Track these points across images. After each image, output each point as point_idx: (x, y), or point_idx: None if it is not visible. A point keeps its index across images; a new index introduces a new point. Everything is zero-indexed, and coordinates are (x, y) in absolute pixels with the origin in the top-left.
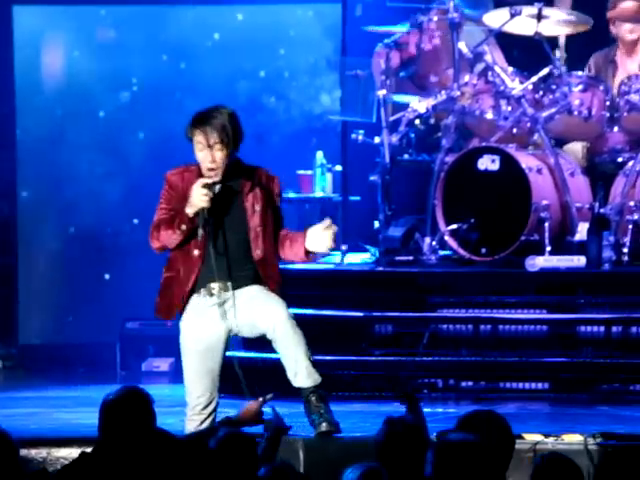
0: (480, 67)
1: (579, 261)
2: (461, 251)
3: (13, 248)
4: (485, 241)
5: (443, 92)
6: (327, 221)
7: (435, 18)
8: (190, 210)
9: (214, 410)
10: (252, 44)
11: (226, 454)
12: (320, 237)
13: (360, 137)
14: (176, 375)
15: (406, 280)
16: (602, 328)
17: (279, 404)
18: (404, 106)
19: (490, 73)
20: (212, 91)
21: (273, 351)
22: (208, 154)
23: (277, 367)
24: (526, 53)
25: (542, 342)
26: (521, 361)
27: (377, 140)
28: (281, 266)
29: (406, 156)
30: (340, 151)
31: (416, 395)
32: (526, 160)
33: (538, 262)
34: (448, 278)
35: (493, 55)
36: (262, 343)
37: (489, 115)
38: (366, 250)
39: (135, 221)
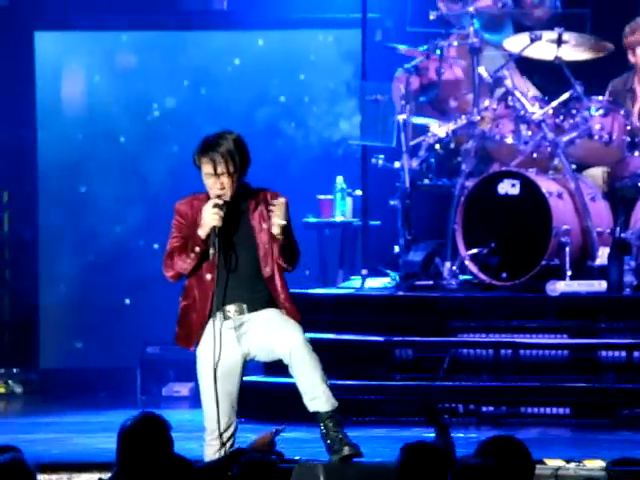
0: (500, 92)
1: (600, 286)
2: (481, 276)
3: (34, 273)
4: (505, 266)
5: (463, 117)
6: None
7: (455, 43)
8: (202, 231)
9: (233, 434)
10: (272, 69)
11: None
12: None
13: (380, 162)
14: (196, 400)
15: (426, 305)
16: (623, 353)
17: (298, 429)
18: (424, 131)
19: (510, 98)
20: (232, 116)
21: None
22: (216, 182)
23: (297, 392)
24: (546, 78)
25: (563, 367)
26: (542, 386)
27: (397, 165)
28: (301, 291)
29: (426, 181)
30: (360, 176)
31: (445, 418)
32: (547, 185)
33: (559, 287)
34: (468, 303)
35: (513, 80)
36: (281, 368)
37: (509, 140)
38: (386, 275)
39: (155, 246)
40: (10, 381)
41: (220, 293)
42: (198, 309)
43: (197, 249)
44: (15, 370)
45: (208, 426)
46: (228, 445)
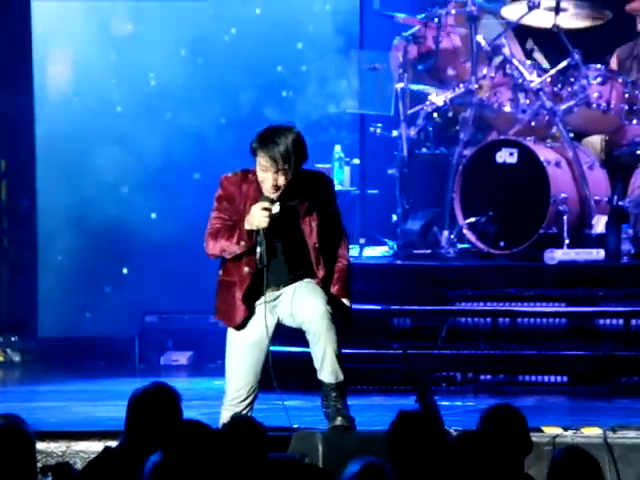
0: (498, 60)
1: (598, 254)
2: (479, 244)
3: (33, 243)
4: (503, 234)
5: (461, 85)
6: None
7: (453, 11)
8: (249, 227)
9: (252, 402)
10: (269, 38)
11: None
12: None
13: (378, 130)
14: (195, 369)
15: (424, 273)
16: (621, 321)
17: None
18: (422, 99)
19: (508, 66)
20: (229, 86)
21: (292, 345)
22: (270, 178)
23: (295, 360)
24: (544, 46)
25: (561, 335)
26: (540, 354)
27: (395, 133)
28: None
29: (424, 149)
30: (358, 144)
31: (428, 382)
32: (544, 153)
33: (557, 255)
34: (466, 271)
35: (511, 48)
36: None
37: (507, 108)
38: (384, 243)
39: (153, 215)
40: (9, 350)
41: (260, 282)
42: (236, 293)
43: (243, 243)
44: (13, 338)
45: (228, 392)
46: (245, 412)
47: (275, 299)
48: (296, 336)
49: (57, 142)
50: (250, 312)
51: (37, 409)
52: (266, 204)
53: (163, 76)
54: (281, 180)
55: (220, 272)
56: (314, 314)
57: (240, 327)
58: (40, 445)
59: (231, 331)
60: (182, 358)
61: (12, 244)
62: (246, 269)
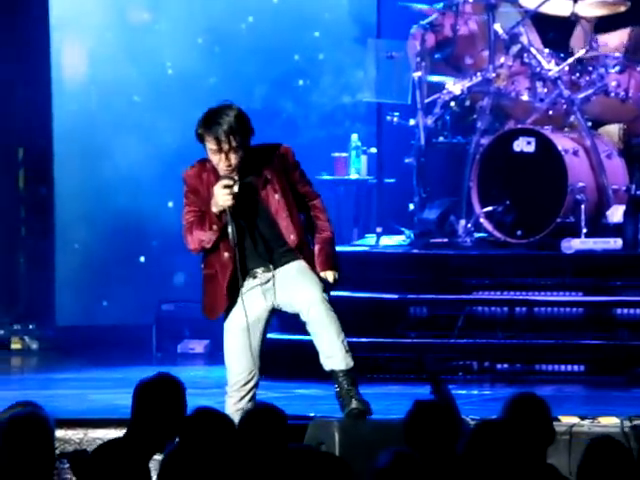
0: (516, 49)
1: (615, 243)
2: (496, 233)
3: (50, 231)
4: (521, 223)
5: (479, 74)
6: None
7: (471, 0)
8: (215, 209)
9: (254, 387)
10: (286, 27)
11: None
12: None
13: (395, 119)
14: (211, 357)
15: (441, 262)
16: (638, 310)
17: (313, 386)
18: (439, 88)
19: (526, 55)
20: (246, 75)
21: (308, 334)
22: (222, 159)
23: (311, 349)
24: (562, 34)
25: (578, 324)
26: (557, 343)
27: (412, 122)
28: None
29: (441, 138)
30: (375, 133)
31: (440, 375)
32: (562, 142)
33: (574, 244)
34: (483, 260)
35: (529, 37)
36: (295, 324)
37: (525, 97)
38: (401, 232)
39: (170, 204)
40: (26, 337)
41: (243, 265)
42: (220, 283)
43: (215, 227)
44: (31, 326)
45: (230, 378)
46: (248, 397)
47: (267, 281)
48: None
49: (75, 131)
50: (235, 298)
51: (55, 397)
52: (226, 182)
53: (180, 65)
54: (233, 158)
55: (202, 267)
56: (312, 302)
57: (230, 312)
58: (58, 432)
59: (227, 318)
60: (199, 346)
61: (29, 233)
62: (226, 254)
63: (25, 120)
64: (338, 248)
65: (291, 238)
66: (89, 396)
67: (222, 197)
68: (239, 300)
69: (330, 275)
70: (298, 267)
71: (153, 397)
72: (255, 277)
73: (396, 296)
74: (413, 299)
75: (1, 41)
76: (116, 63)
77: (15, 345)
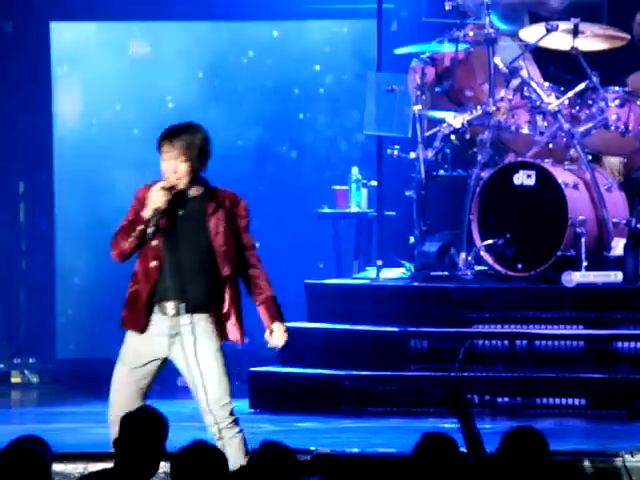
0: (516, 82)
1: (616, 277)
2: (497, 266)
3: (50, 263)
4: (521, 256)
5: (479, 107)
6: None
7: (471, 33)
8: (146, 212)
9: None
10: (287, 61)
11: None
12: (278, 336)
13: (395, 152)
14: None
15: (441, 295)
16: (639, 344)
17: (314, 419)
18: (440, 121)
19: (526, 88)
20: (246, 108)
21: (309, 367)
22: (172, 165)
23: (312, 383)
24: (562, 68)
25: (579, 358)
26: (558, 377)
27: (412, 155)
28: (316, 281)
29: (441, 171)
30: (375, 166)
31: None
32: (562, 175)
33: (575, 277)
34: (484, 293)
35: (529, 70)
36: (296, 358)
37: (525, 130)
38: (401, 265)
39: None
40: (26, 371)
41: (163, 283)
42: (142, 295)
43: (138, 228)
44: (31, 360)
45: (108, 409)
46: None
47: (175, 335)
48: (311, 358)
49: (75, 164)
50: (150, 321)
51: (55, 430)
52: (164, 184)
53: (180, 98)
54: (182, 167)
55: (129, 284)
56: (219, 425)
57: (134, 346)
58: (57, 466)
59: (124, 344)
60: None
61: (30, 266)
62: (153, 263)
63: (25, 154)
64: (339, 281)
65: (225, 270)
66: (89, 430)
67: (155, 196)
68: (144, 338)
69: (282, 327)
70: (206, 343)
71: (134, 429)
72: (165, 314)
73: (396, 329)
74: (413, 332)
75: (2, 74)
76: (116, 96)
77: (15, 379)
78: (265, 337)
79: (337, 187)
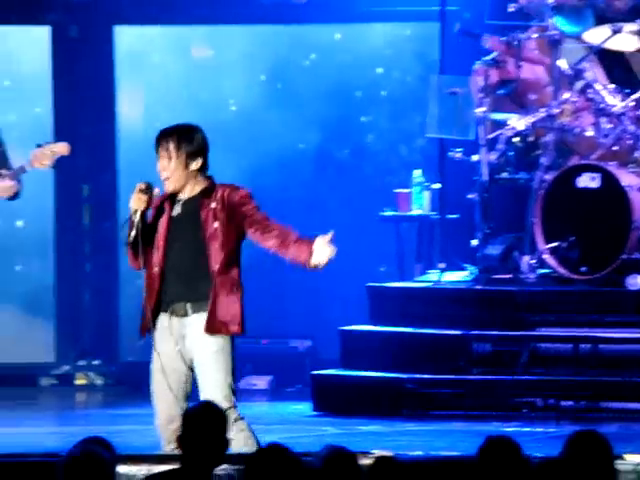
0: (580, 84)
1: None
2: (560, 269)
3: (114, 267)
4: (585, 259)
5: (542, 110)
6: (331, 234)
7: (534, 35)
8: (131, 212)
9: (175, 430)
10: (349, 63)
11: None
12: (323, 250)
13: (458, 155)
14: (274, 393)
15: (504, 299)
16: None
17: (376, 422)
18: (503, 124)
19: (590, 90)
20: (308, 111)
21: (372, 370)
22: (162, 165)
23: (375, 386)
24: (627, 70)
25: None
26: (622, 380)
27: (475, 158)
28: (378, 284)
29: (504, 174)
30: (438, 169)
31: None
32: (627, 178)
33: (639, 281)
34: (547, 297)
35: (594, 72)
36: (358, 361)
37: (589, 132)
38: (464, 268)
39: None
40: (91, 373)
41: (167, 286)
42: (149, 301)
43: (134, 233)
44: (96, 362)
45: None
46: (169, 440)
47: (183, 336)
48: (373, 361)
49: (138, 166)
50: (157, 325)
51: (119, 432)
52: (142, 185)
53: (242, 102)
54: (171, 165)
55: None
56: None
57: (158, 350)
58: (122, 468)
59: (153, 354)
60: (261, 382)
61: (94, 269)
62: (155, 269)
63: (89, 156)
64: (401, 284)
65: (215, 267)
66: (153, 432)
67: (133, 198)
68: (160, 341)
69: (322, 240)
70: (208, 347)
71: (196, 424)
72: (171, 315)
73: (459, 332)
74: (476, 335)
75: (65, 77)
76: (179, 100)
77: (80, 381)
78: (314, 261)
79: (399, 190)
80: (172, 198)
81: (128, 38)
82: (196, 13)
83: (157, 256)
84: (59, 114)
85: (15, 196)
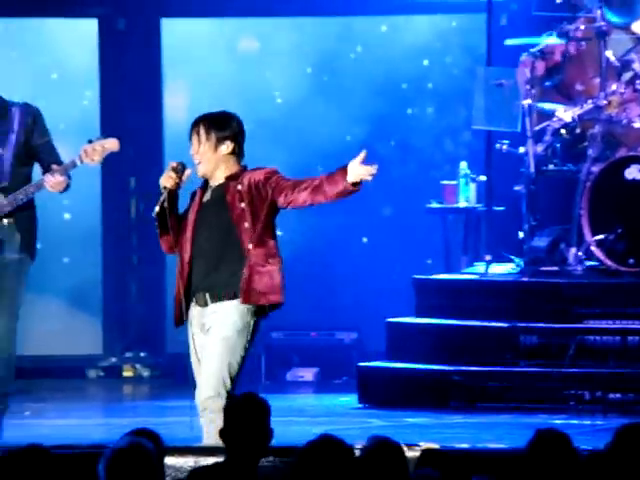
0: (628, 75)
1: None
2: (608, 262)
3: (161, 259)
4: (632, 252)
5: (589, 101)
6: (363, 153)
7: (582, 27)
8: (161, 188)
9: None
10: (395, 55)
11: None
12: (358, 169)
13: (505, 147)
14: (321, 385)
15: (551, 291)
16: None
17: (424, 415)
18: (549, 115)
19: (638, 81)
20: (354, 103)
21: (418, 362)
22: (193, 147)
23: (421, 378)
24: None
25: None
26: None
27: (522, 150)
28: (424, 277)
29: (551, 166)
30: (484, 161)
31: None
32: None
33: None
34: (594, 289)
35: None
36: (405, 353)
37: (637, 124)
38: (510, 260)
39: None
40: (138, 365)
41: (194, 274)
42: (179, 290)
43: (157, 208)
44: (142, 354)
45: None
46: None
47: (203, 325)
48: (419, 353)
49: (185, 160)
50: (188, 312)
51: (166, 424)
52: (174, 164)
53: (289, 94)
54: (200, 148)
55: None
56: (203, 401)
57: (191, 337)
58: (169, 460)
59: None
60: (308, 374)
61: (141, 260)
62: (185, 255)
63: (137, 149)
64: (448, 276)
65: (247, 245)
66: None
67: (164, 176)
68: (190, 331)
69: (355, 160)
70: (219, 332)
71: (237, 418)
72: (196, 304)
73: (506, 324)
74: (523, 327)
75: (112, 70)
76: (226, 92)
77: (127, 373)
78: (351, 178)
79: (445, 182)
80: (205, 186)
81: (175, 31)
82: (243, 5)
83: (187, 244)
84: (106, 107)
85: (64, 190)
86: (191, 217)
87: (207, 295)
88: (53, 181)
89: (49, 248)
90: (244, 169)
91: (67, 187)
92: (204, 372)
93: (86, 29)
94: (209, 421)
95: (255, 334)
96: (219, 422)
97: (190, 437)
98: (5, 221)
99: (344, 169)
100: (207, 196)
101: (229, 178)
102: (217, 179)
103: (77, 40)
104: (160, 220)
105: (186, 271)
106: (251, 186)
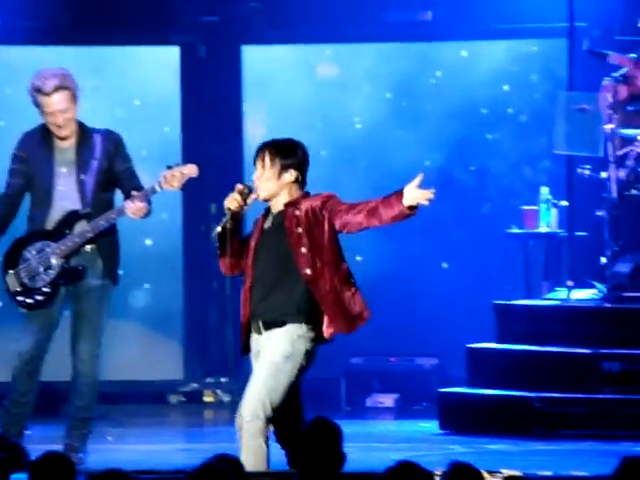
0: None
1: None
2: None
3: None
4: None
5: None
6: (420, 176)
7: None
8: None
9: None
10: (475, 81)
11: None
12: (414, 193)
13: (586, 172)
14: (401, 411)
15: (634, 317)
16: None
17: (505, 442)
18: (632, 140)
19: None
20: (433, 128)
21: (499, 388)
22: (256, 172)
23: (502, 404)
24: None
25: None
26: None
27: (604, 175)
28: (505, 302)
29: (634, 191)
30: (566, 186)
31: None
32: None
33: None
34: None
35: None
36: (485, 379)
37: None
38: (593, 286)
39: (358, 258)
40: (219, 390)
41: (254, 301)
42: (243, 317)
43: (219, 228)
44: (223, 379)
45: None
46: None
47: (258, 352)
48: (500, 379)
49: None
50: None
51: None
52: (240, 187)
53: (368, 119)
54: (262, 174)
55: None
56: (242, 421)
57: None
58: None
59: None
60: (388, 400)
61: (221, 285)
62: (247, 282)
63: (217, 175)
64: (529, 302)
65: (305, 271)
66: (278, 448)
67: (229, 198)
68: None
69: (411, 185)
70: (269, 359)
71: (308, 443)
72: (255, 331)
73: (588, 351)
74: (606, 354)
75: (194, 97)
76: (305, 118)
77: (208, 398)
78: (407, 202)
79: (526, 207)
80: (267, 213)
81: (255, 57)
82: (322, 32)
83: (249, 270)
84: (187, 133)
85: (145, 216)
86: (252, 243)
87: (260, 322)
88: (134, 207)
89: (131, 274)
90: (305, 195)
91: (148, 213)
92: (246, 394)
93: (168, 57)
94: (243, 446)
95: (311, 360)
96: (253, 447)
97: (271, 463)
98: (88, 247)
99: (400, 193)
100: (268, 222)
101: (288, 204)
102: (278, 206)
103: (159, 67)
104: (220, 241)
105: (248, 298)
106: (308, 211)
